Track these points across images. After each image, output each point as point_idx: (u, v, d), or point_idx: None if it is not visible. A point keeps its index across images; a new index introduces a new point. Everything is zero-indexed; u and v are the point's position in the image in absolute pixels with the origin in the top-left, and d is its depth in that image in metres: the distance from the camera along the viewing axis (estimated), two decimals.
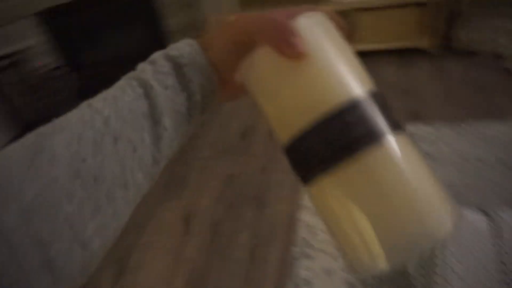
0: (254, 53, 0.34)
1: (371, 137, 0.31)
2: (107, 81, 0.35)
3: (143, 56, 0.37)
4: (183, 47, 0.37)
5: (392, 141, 0.31)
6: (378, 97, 0.33)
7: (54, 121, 0.31)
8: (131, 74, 0.36)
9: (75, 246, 0.27)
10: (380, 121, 0.31)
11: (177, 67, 0.36)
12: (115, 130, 0.31)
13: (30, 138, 0.29)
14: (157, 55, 0.37)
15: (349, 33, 0.36)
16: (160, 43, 2.61)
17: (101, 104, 0.33)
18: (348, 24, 0.36)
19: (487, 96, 2.14)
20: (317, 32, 0.34)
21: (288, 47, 0.31)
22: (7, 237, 0.24)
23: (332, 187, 0.31)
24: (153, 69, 0.35)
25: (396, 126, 0.32)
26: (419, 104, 2.21)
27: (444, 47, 2.69)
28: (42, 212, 0.26)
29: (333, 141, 0.31)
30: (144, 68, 0.36)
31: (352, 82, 0.33)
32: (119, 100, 0.33)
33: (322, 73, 0.32)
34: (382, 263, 0.30)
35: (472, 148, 0.72)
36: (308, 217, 0.62)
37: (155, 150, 0.34)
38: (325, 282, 0.53)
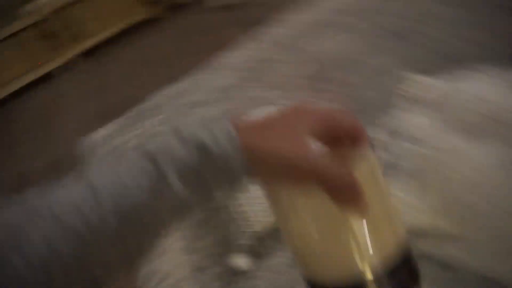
0: (307, 193, 0.31)
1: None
2: None
3: None
4: (223, 140, 0.30)
5: None
6: None
7: (47, 197, 0.29)
8: (151, 151, 0.30)
9: None
10: None
11: (209, 167, 0.30)
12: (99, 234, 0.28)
13: (15, 212, 0.28)
14: (192, 138, 0.31)
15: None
16: None
17: (104, 195, 0.29)
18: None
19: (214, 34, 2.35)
20: (371, 175, 0.32)
21: (352, 201, 0.30)
22: None
23: None
24: (181, 154, 0.30)
25: None
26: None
27: (167, 9, 2.82)
28: None
29: None
30: (169, 149, 0.30)
31: (401, 228, 0.32)
32: (122, 197, 0.29)
33: (379, 223, 0.31)
34: None
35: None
36: None
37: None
38: None
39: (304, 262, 0.33)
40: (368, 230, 0.31)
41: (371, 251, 0.31)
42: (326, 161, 0.30)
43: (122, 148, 0.69)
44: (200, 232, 0.56)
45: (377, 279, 0.30)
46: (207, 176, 0.30)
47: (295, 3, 0.96)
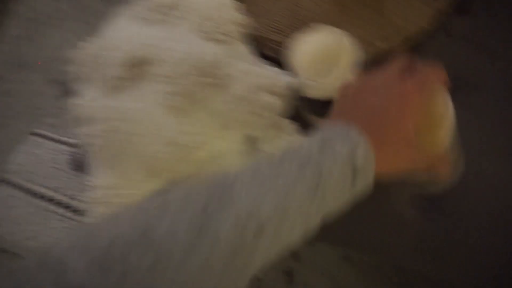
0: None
1: None
2: None
3: None
4: (367, 159, 0.34)
5: None
6: None
7: (227, 190, 0.30)
8: (312, 164, 0.32)
9: None
10: None
11: (355, 180, 0.34)
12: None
13: (199, 205, 0.28)
14: (346, 157, 0.33)
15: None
16: None
17: (276, 189, 0.31)
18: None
19: None
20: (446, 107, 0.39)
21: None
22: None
23: None
24: (338, 172, 0.33)
25: None
26: None
27: None
28: None
29: None
30: (328, 170, 0.33)
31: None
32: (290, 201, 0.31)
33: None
34: None
35: None
36: None
37: None
38: None
39: None
40: None
41: None
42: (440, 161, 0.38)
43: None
44: None
45: None
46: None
47: None
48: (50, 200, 0.67)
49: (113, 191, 0.57)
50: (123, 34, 0.58)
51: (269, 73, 0.56)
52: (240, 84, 0.56)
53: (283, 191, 0.30)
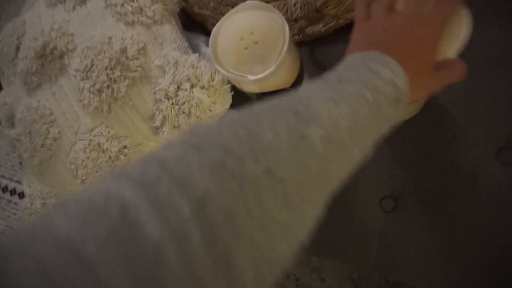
0: None
1: None
2: None
3: None
4: (405, 89, 0.34)
5: None
6: None
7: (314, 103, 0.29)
8: (368, 86, 0.32)
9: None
10: None
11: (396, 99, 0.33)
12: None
13: (291, 115, 0.28)
14: (390, 79, 0.33)
15: None
16: None
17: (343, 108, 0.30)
18: None
19: None
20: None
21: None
22: (260, 195, 0.25)
23: None
24: (384, 94, 0.32)
25: None
26: None
27: None
28: (295, 198, 0.26)
29: None
30: (377, 87, 0.32)
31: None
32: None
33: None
34: None
35: None
36: None
37: None
38: None
39: None
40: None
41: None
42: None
43: None
44: None
45: None
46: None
47: None
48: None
49: (40, 201, 0.51)
50: (35, 20, 0.50)
51: (202, 62, 0.46)
52: (168, 77, 0.46)
53: (352, 108, 0.30)
